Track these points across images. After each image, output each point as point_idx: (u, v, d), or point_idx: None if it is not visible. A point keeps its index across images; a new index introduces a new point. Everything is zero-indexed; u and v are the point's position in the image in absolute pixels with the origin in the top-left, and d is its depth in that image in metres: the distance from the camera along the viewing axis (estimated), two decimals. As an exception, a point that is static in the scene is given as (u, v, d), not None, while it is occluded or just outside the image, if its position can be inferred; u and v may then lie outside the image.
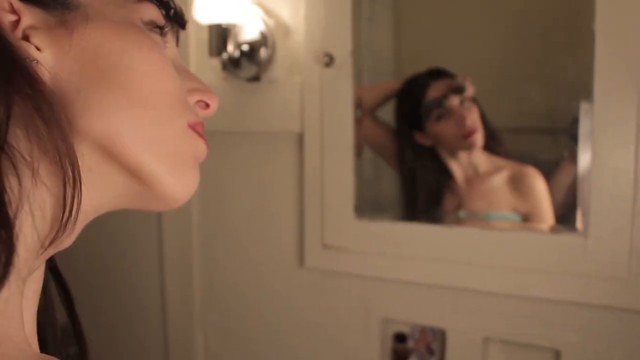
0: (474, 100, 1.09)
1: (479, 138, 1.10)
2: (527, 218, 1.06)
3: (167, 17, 0.45)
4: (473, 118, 1.09)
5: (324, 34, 1.11)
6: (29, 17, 0.38)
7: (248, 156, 1.24)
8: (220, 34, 1.15)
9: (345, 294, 1.17)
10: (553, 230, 1.02)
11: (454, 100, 1.08)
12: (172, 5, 0.45)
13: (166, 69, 0.42)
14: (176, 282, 1.35)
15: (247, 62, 1.17)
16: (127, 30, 0.41)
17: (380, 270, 1.11)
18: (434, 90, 1.10)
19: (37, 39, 0.38)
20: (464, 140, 1.10)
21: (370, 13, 1.18)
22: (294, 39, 1.16)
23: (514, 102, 1.08)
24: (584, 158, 0.96)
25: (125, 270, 1.43)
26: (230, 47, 1.16)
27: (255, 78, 1.19)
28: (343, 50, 1.10)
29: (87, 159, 0.39)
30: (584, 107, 0.98)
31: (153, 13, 0.44)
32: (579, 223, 0.98)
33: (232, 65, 1.18)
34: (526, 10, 1.06)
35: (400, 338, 1.14)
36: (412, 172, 1.15)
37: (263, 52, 1.17)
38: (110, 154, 0.39)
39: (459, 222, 1.10)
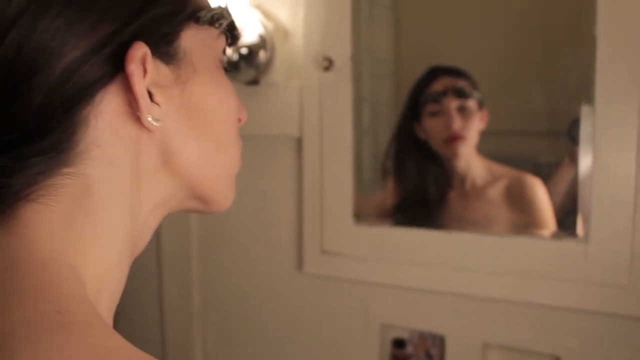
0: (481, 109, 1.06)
1: (462, 148, 1.07)
2: (527, 228, 1.05)
3: (230, 46, 0.49)
4: (464, 125, 1.06)
5: (323, 37, 1.10)
6: (154, 71, 0.40)
7: (247, 160, 1.22)
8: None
9: (344, 299, 1.17)
10: (553, 235, 1.01)
11: (452, 102, 1.06)
12: (239, 36, 0.50)
13: (238, 113, 0.49)
14: (175, 285, 1.35)
15: (246, 66, 1.16)
16: (221, 81, 0.47)
17: (379, 275, 1.10)
18: (439, 84, 1.08)
19: (158, 96, 0.41)
20: (446, 144, 1.08)
21: (370, 14, 1.18)
22: (293, 42, 1.16)
23: (515, 104, 1.07)
24: (585, 162, 0.96)
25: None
26: (228, 50, 1.15)
27: (254, 81, 1.18)
28: (342, 54, 1.09)
29: (169, 189, 0.45)
30: (584, 110, 0.97)
31: (223, 45, 0.48)
32: (579, 229, 0.98)
33: (231, 68, 1.17)
34: (527, 13, 1.05)
35: (399, 343, 1.13)
36: (410, 171, 1.14)
37: (262, 56, 1.16)
38: (192, 187, 0.46)
39: (458, 227, 1.09)
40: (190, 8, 0.43)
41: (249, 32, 1.16)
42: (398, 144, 1.15)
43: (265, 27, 1.16)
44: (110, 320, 0.40)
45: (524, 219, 1.05)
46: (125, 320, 1.44)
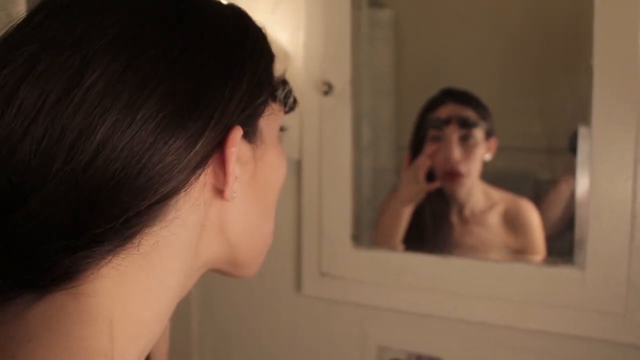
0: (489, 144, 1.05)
1: (459, 185, 1.07)
2: (519, 253, 1.05)
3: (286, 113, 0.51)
4: (465, 158, 1.05)
5: (323, 62, 1.11)
6: (239, 150, 0.42)
7: (246, 182, 1.24)
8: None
9: (342, 321, 1.17)
10: (550, 262, 1.02)
11: (454, 131, 1.05)
12: (297, 104, 0.52)
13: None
14: (174, 304, 1.35)
15: (247, 88, 1.17)
16: (281, 154, 0.49)
17: (377, 298, 1.11)
18: (445, 111, 1.06)
19: (238, 171, 0.43)
20: (445, 177, 1.07)
21: (370, 33, 1.18)
22: (294, 65, 1.16)
23: (515, 122, 1.08)
24: (581, 187, 0.96)
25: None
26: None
27: (255, 104, 1.19)
28: (342, 79, 1.10)
29: (217, 252, 0.46)
30: (582, 131, 0.97)
31: (283, 115, 0.50)
32: (576, 255, 0.98)
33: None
34: (528, 32, 1.06)
35: (397, 365, 1.13)
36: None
37: (262, 78, 1.17)
38: (234, 253, 0.47)
39: (456, 253, 1.09)
40: (270, 88, 0.45)
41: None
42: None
43: (265, 50, 1.17)
44: None
45: (518, 243, 1.05)
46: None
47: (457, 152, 1.04)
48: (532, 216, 1.04)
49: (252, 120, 0.44)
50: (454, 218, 1.10)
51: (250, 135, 0.44)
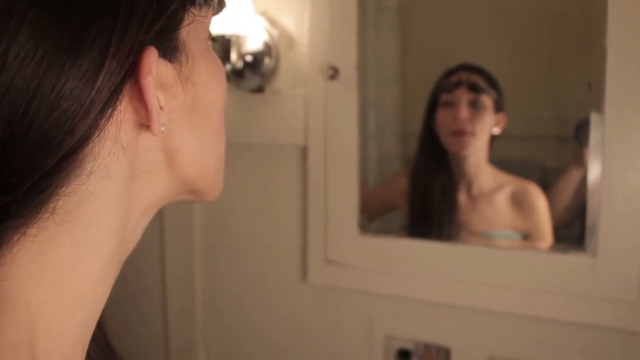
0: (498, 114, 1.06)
1: (467, 144, 1.07)
2: (526, 237, 1.04)
3: (214, 15, 0.44)
4: (472, 119, 1.05)
5: (329, 46, 1.09)
6: (159, 73, 0.35)
7: (251, 169, 1.22)
8: (224, 45, 1.13)
9: (348, 310, 1.16)
10: (561, 249, 1.00)
11: (464, 94, 1.05)
12: (225, 4, 0.44)
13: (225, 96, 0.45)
14: (178, 295, 1.34)
15: (251, 73, 1.15)
16: (215, 66, 0.42)
17: (384, 286, 1.10)
18: (455, 77, 1.07)
19: (162, 98, 0.36)
20: (452, 137, 1.07)
21: (376, 19, 1.16)
22: (299, 50, 1.15)
23: (523, 109, 1.06)
24: (593, 173, 0.94)
25: (126, 284, 1.42)
26: (233, 58, 1.14)
27: (259, 89, 1.17)
28: (348, 64, 1.08)
29: (164, 189, 0.40)
30: (594, 118, 0.95)
31: (210, 19, 0.42)
32: (587, 243, 0.97)
33: (236, 76, 1.16)
34: (537, 19, 1.04)
35: (403, 354, 1.12)
36: (422, 179, 1.13)
37: (267, 63, 1.15)
38: (188, 183, 0.42)
39: (462, 239, 1.08)
40: None
41: (254, 40, 1.15)
42: (418, 144, 1.14)
43: (270, 34, 1.15)
44: (86, 336, 0.37)
45: (526, 226, 1.04)
46: (129, 332, 1.43)
47: (464, 111, 1.05)
48: (540, 200, 1.03)
49: (168, 34, 0.35)
50: (462, 196, 1.09)
51: (169, 52, 0.36)
